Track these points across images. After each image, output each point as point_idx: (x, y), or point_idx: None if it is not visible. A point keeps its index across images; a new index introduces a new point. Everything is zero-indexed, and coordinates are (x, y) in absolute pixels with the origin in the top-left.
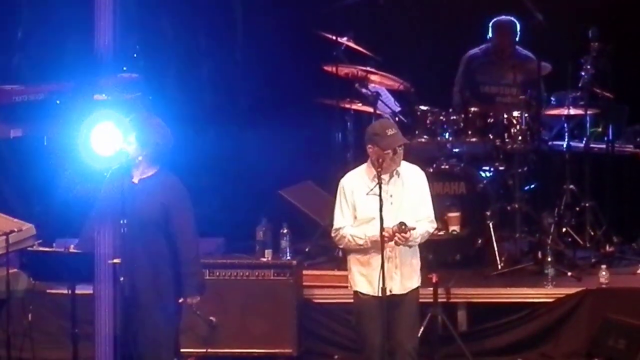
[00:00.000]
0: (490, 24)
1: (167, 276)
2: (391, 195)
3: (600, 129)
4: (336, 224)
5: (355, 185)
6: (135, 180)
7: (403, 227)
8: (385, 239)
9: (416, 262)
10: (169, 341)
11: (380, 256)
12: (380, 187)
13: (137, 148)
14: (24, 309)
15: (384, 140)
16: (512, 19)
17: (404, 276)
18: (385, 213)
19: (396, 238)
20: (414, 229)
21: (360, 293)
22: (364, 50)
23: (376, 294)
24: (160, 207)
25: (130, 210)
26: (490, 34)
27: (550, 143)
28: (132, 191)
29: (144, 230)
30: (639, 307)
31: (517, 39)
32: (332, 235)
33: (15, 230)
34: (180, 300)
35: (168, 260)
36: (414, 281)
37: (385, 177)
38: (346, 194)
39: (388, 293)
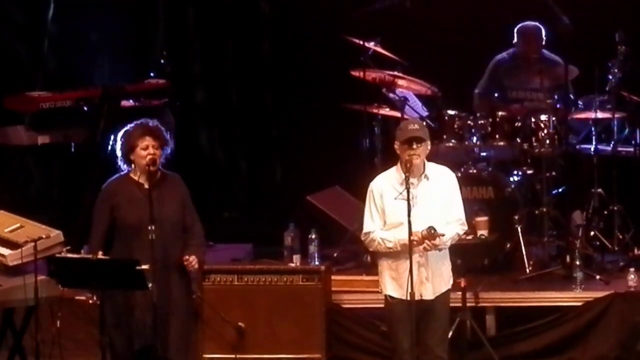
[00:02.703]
0: (515, 30)
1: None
2: (414, 197)
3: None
4: (366, 228)
5: (384, 188)
6: (147, 186)
7: (432, 231)
8: (414, 243)
9: (447, 266)
10: (193, 342)
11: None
12: (408, 192)
13: (162, 154)
14: (52, 316)
15: (403, 133)
16: (537, 24)
17: (435, 282)
18: (412, 217)
19: (425, 245)
20: (443, 235)
21: (391, 297)
22: (392, 55)
23: (406, 298)
24: (180, 205)
25: (159, 216)
26: (515, 40)
27: (577, 147)
28: (149, 197)
29: (174, 231)
30: None
31: (542, 44)
32: (362, 238)
33: (43, 237)
34: (185, 257)
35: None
36: (445, 285)
37: (413, 180)
38: (375, 197)
39: (419, 298)
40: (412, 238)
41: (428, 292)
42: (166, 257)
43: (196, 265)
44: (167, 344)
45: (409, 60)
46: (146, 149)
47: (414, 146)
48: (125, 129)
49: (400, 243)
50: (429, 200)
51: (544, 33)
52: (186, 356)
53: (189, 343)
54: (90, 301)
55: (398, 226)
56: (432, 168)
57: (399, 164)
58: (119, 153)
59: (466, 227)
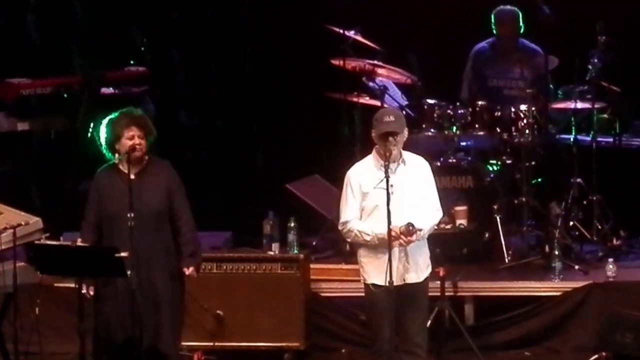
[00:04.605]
0: (493, 14)
1: (175, 261)
2: (392, 185)
3: (606, 115)
4: (343, 217)
5: (362, 176)
6: (132, 175)
7: (410, 228)
8: (392, 237)
9: (425, 253)
10: (180, 328)
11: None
12: (387, 180)
13: (146, 143)
14: (31, 303)
15: (378, 125)
16: (515, 8)
17: (416, 265)
18: (390, 204)
19: (401, 240)
20: (420, 230)
21: (373, 285)
22: (372, 44)
23: (389, 285)
24: (165, 193)
25: (138, 204)
26: (493, 24)
27: (557, 137)
28: (129, 186)
29: (155, 220)
30: None
31: (520, 28)
32: (340, 228)
33: (23, 223)
34: (184, 270)
35: (174, 245)
36: (425, 270)
37: (392, 166)
38: (353, 186)
39: (402, 282)
40: (390, 227)
41: (412, 276)
42: (148, 246)
43: (195, 275)
44: (156, 333)
45: (389, 49)
46: (132, 139)
47: (389, 139)
48: (110, 117)
49: (379, 237)
50: (407, 185)
51: (520, 17)
52: (175, 344)
53: (178, 331)
54: (90, 294)
55: (373, 210)
56: (408, 156)
57: (374, 152)
58: (103, 142)
59: (442, 214)
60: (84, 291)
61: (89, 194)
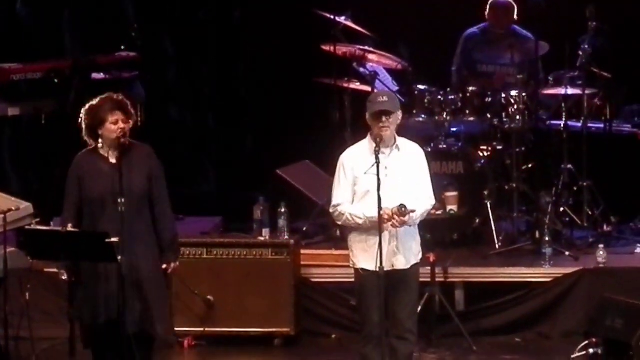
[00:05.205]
0: (488, 4)
1: (157, 246)
2: (386, 167)
3: (597, 101)
4: (335, 200)
5: (356, 160)
6: (113, 159)
7: (403, 209)
8: (384, 218)
9: (417, 240)
10: (169, 310)
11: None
12: (378, 166)
13: (129, 126)
14: (21, 288)
15: (372, 106)
16: (510, 0)
17: (406, 251)
18: (383, 186)
19: (394, 221)
20: (413, 211)
21: (362, 270)
22: (362, 30)
23: (376, 270)
24: (147, 178)
25: (123, 189)
26: (487, 14)
27: (548, 122)
28: (119, 170)
29: (137, 203)
30: (637, 286)
31: (513, 20)
32: (331, 211)
33: (13, 208)
34: (164, 267)
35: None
36: (414, 258)
37: (385, 150)
38: (346, 169)
39: (391, 268)
40: (381, 213)
41: (400, 262)
42: (131, 230)
43: (176, 267)
44: (143, 316)
45: (380, 34)
46: (116, 124)
47: (383, 119)
48: (91, 103)
49: (370, 220)
50: (401, 171)
51: (515, 10)
52: (163, 326)
53: (166, 313)
54: (63, 277)
55: (365, 195)
56: (403, 142)
57: (369, 135)
58: (85, 128)
59: (434, 201)
60: (64, 277)
61: (68, 178)
